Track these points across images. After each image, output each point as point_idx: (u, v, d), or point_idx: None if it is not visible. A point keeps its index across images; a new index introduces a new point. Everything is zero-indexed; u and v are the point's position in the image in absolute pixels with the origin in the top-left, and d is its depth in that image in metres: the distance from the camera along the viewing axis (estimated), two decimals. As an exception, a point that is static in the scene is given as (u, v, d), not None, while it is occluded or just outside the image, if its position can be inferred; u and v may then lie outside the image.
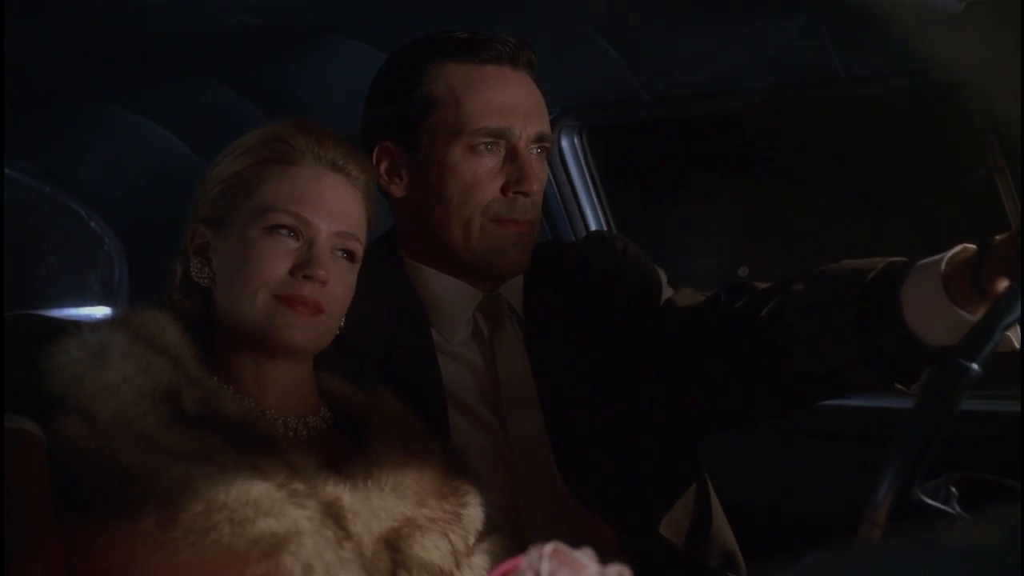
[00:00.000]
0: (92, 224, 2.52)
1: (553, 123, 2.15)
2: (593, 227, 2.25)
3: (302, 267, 1.33)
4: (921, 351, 1.31)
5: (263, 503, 1.22)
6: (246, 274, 1.33)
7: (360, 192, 1.39)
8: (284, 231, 1.34)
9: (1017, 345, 1.26)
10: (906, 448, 1.02)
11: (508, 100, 1.55)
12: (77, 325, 1.34)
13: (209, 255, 1.38)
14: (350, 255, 1.37)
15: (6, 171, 2.36)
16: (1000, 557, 0.99)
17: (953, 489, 1.07)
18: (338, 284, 1.35)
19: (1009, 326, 1.05)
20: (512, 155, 1.55)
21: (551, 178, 2.22)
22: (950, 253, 1.29)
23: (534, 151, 1.57)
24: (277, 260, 1.33)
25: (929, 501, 1.04)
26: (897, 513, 1.03)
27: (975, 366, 1.03)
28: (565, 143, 2.22)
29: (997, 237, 1.23)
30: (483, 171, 1.54)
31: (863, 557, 1.01)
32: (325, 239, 1.35)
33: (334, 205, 1.36)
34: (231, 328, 1.36)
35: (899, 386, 1.39)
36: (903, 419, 1.04)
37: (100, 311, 2.57)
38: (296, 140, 1.37)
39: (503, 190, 1.55)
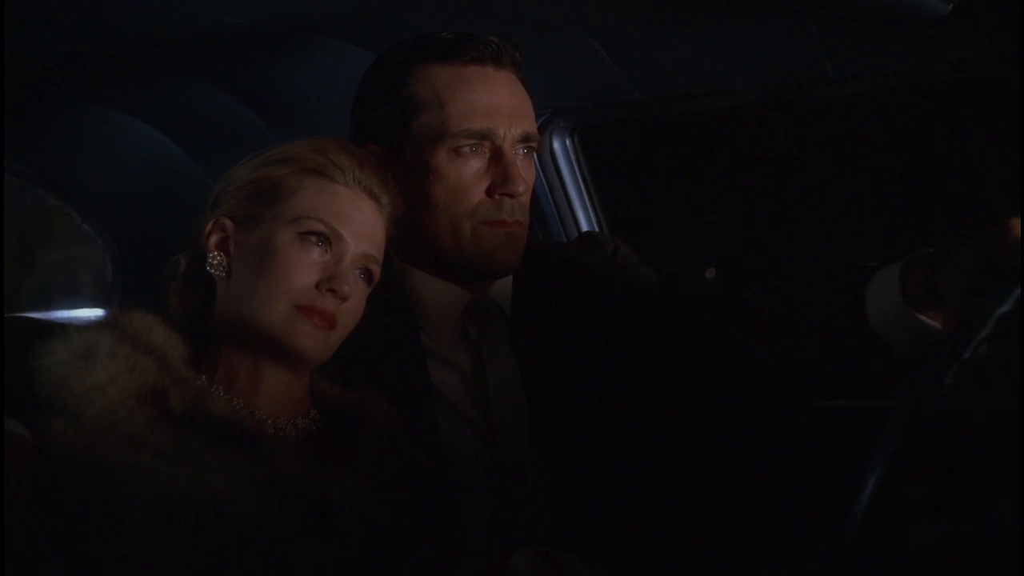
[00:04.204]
0: (85, 226, 2.52)
1: (544, 125, 2.16)
2: (585, 228, 2.25)
3: (328, 280, 1.35)
4: (888, 356, 1.31)
5: (249, 502, 1.23)
6: (272, 278, 1.35)
7: (385, 220, 1.43)
8: (315, 239, 1.36)
9: None
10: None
11: (491, 101, 1.54)
12: (64, 327, 1.34)
13: (229, 249, 1.39)
14: (369, 277, 1.41)
15: (-1, 173, 2.37)
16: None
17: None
18: (353, 303, 1.38)
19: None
20: (497, 156, 1.54)
21: (543, 179, 2.23)
22: (910, 257, 1.29)
23: (520, 151, 1.57)
24: (305, 270, 1.35)
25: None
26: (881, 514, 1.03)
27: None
28: (557, 144, 2.22)
29: (953, 242, 1.21)
30: (468, 174, 1.54)
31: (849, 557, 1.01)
32: (352, 257, 1.38)
33: (365, 228, 1.40)
34: (238, 326, 1.36)
35: (869, 393, 1.39)
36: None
37: (94, 313, 2.58)
38: (340, 159, 1.40)
39: (489, 192, 1.54)
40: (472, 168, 1.54)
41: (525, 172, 1.56)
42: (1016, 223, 1.15)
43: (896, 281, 1.28)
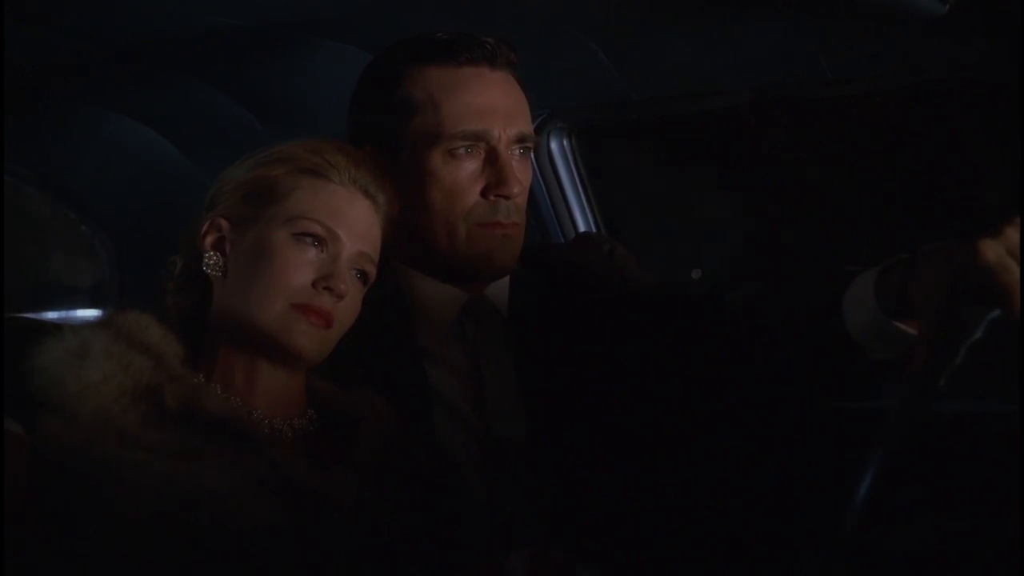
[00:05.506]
0: (83, 226, 2.52)
1: (542, 125, 2.16)
2: (582, 229, 2.25)
3: (325, 279, 1.35)
4: (868, 360, 1.30)
5: (245, 500, 1.23)
6: (268, 278, 1.35)
7: (381, 219, 1.43)
8: (311, 240, 1.36)
9: None
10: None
11: (486, 102, 1.54)
12: (60, 327, 1.35)
13: (225, 249, 1.39)
14: (364, 276, 1.41)
15: (-4, 174, 2.37)
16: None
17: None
18: (349, 301, 1.38)
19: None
20: (492, 158, 1.54)
21: (540, 180, 2.23)
22: (885, 263, 1.27)
23: (516, 152, 1.56)
24: (302, 269, 1.35)
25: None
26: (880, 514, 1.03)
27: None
28: (554, 145, 2.22)
29: (925, 250, 1.19)
30: (463, 176, 1.54)
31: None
32: (347, 256, 1.38)
33: (361, 227, 1.40)
34: (235, 326, 1.36)
35: (860, 395, 1.39)
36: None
37: (91, 313, 2.58)
38: (335, 158, 1.40)
39: (484, 194, 1.54)
40: (467, 170, 1.54)
41: (521, 173, 1.56)
42: (988, 244, 1.11)
43: (871, 287, 1.27)
